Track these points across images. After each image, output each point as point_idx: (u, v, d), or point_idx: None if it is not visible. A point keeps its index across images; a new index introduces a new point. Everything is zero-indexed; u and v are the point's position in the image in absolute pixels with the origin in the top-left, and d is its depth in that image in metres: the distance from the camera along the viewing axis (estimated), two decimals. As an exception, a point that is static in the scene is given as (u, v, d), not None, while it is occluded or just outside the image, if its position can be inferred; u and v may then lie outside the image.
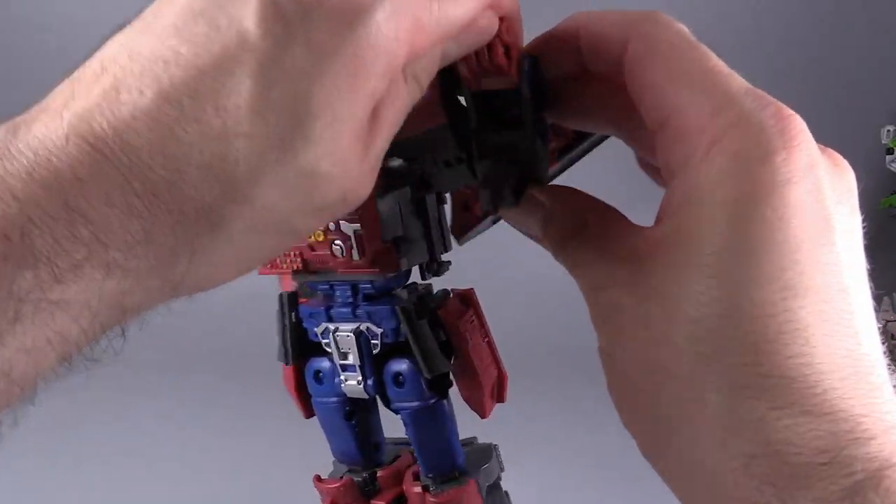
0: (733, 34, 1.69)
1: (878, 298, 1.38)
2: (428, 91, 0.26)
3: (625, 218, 0.28)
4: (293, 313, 0.39)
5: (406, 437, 0.43)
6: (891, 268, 1.55)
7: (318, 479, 0.43)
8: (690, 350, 0.23)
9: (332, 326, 0.38)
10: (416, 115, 0.26)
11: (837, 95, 1.71)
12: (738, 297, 0.22)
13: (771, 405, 0.22)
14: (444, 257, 0.40)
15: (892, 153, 1.37)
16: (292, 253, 0.37)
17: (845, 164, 0.25)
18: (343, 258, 0.35)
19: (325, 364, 0.40)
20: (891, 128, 1.38)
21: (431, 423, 0.40)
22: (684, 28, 0.26)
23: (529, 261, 1.44)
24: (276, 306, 0.40)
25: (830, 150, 0.24)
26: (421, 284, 0.40)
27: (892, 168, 1.38)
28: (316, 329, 0.39)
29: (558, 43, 0.28)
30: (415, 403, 0.40)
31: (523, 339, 1.40)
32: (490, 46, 0.27)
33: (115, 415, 1.20)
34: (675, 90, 0.24)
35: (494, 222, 0.36)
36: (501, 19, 0.27)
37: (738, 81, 0.24)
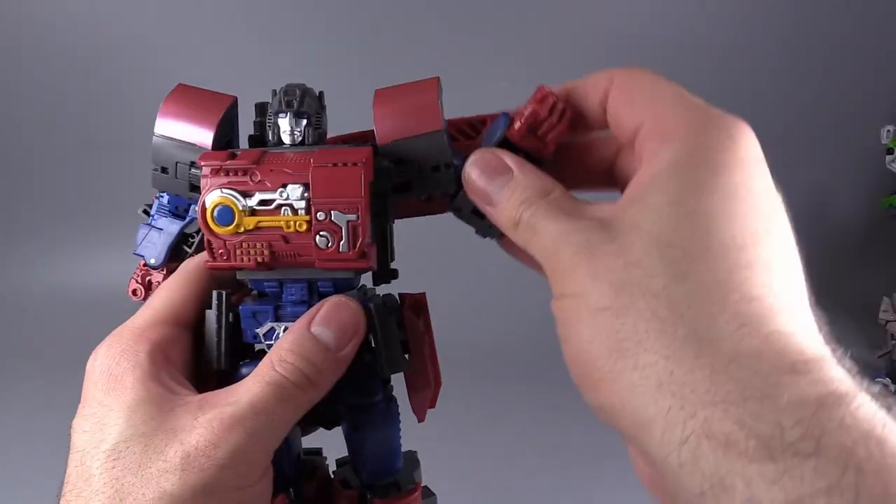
0: (734, 35, 1.69)
1: (878, 298, 1.38)
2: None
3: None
4: (230, 313, 0.37)
5: (316, 447, 0.43)
6: (891, 268, 1.56)
7: None
8: (667, 271, 0.25)
9: (279, 326, 0.37)
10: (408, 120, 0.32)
11: (837, 95, 1.71)
12: (709, 229, 0.26)
13: (739, 322, 0.25)
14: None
15: (892, 153, 1.37)
16: (258, 244, 0.35)
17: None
18: (328, 250, 0.34)
19: None
20: (891, 128, 1.38)
21: (383, 424, 0.40)
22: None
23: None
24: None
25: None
26: (369, 288, 0.39)
27: (892, 168, 1.37)
28: (258, 330, 0.37)
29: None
30: (368, 402, 0.39)
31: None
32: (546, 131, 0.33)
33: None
34: (651, 104, 0.30)
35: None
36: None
37: (697, 100, 0.30)
